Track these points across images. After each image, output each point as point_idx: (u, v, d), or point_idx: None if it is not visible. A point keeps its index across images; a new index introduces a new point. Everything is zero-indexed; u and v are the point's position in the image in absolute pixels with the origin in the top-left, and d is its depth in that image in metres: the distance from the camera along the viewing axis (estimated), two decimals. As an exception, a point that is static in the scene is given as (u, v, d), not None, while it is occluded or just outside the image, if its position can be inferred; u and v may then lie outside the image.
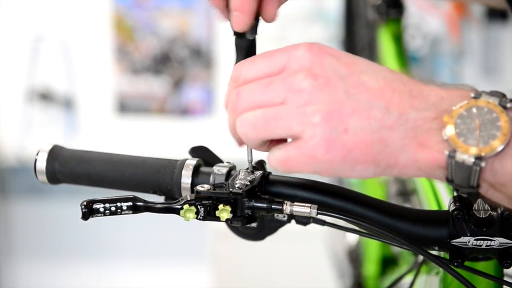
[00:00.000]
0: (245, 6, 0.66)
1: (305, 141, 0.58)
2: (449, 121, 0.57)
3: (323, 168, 0.59)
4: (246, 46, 0.68)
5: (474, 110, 0.58)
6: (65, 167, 0.72)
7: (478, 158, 0.56)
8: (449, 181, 0.58)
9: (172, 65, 2.71)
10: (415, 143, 0.58)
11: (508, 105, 0.58)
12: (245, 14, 0.66)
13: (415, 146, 0.58)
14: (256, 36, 0.69)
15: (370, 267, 1.43)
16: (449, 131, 0.57)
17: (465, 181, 0.57)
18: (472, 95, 0.59)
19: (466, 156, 0.56)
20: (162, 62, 2.71)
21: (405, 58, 1.46)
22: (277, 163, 0.60)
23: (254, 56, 0.64)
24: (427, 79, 0.62)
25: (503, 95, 0.58)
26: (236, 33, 0.67)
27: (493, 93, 0.59)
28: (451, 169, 0.57)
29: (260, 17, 0.68)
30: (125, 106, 2.73)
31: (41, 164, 0.72)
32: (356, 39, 1.67)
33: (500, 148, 0.56)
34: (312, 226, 0.68)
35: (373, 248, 1.42)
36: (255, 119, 0.60)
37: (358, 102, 0.58)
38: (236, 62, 0.67)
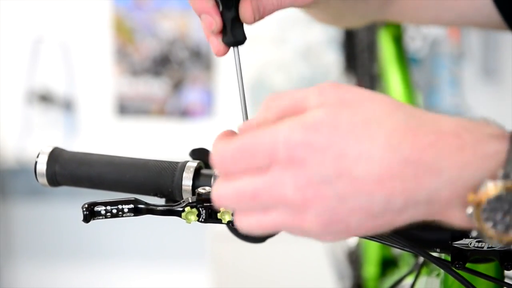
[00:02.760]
0: (204, 6, 0.66)
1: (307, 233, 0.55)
2: (474, 204, 0.52)
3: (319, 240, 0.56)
4: (233, 18, 0.68)
5: (504, 195, 0.52)
6: (66, 170, 0.72)
7: (508, 244, 0.53)
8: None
9: (172, 66, 2.71)
10: (431, 215, 0.54)
11: None
12: (209, 14, 0.66)
13: (431, 216, 0.54)
14: (249, 38, 0.69)
15: (370, 269, 1.43)
16: (476, 216, 0.52)
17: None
18: (501, 173, 0.52)
19: (494, 241, 0.53)
20: (162, 64, 2.71)
21: (404, 60, 1.47)
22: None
23: (239, 144, 0.55)
24: (417, 93, 0.57)
25: None
26: (223, 5, 0.67)
27: None
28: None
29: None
30: (124, 108, 2.73)
31: (42, 167, 0.72)
32: (356, 41, 1.67)
33: None
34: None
35: (373, 250, 1.42)
36: (250, 227, 0.56)
37: (354, 202, 0.53)
38: (223, 37, 0.68)
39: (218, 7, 0.68)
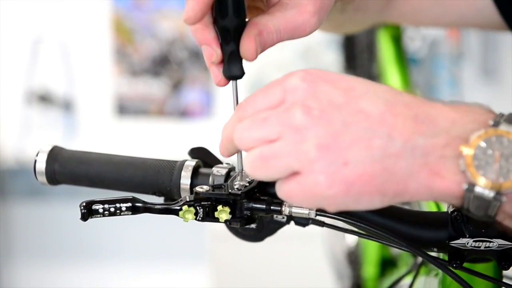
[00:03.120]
0: (206, 36, 0.65)
1: (304, 177, 0.56)
2: (466, 151, 0.54)
3: (327, 203, 0.56)
4: (232, 52, 0.66)
5: (494, 140, 0.55)
6: (65, 168, 0.72)
7: (498, 193, 0.54)
8: (465, 209, 0.56)
9: (171, 67, 2.71)
10: (427, 171, 0.55)
11: None
12: (210, 44, 0.65)
13: (426, 174, 0.55)
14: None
15: (369, 269, 1.43)
16: (467, 163, 0.54)
17: (482, 211, 0.55)
18: (491, 122, 0.56)
19: (486, 191, 0.54)
20: (161, 64, 2.71)
21: (404, 60, 1.47)
22: (283, 197, 0.58)
23: (255, 92, 0.61)
24: (435, 98, 0.60)
25: None
26: (222, 39, 0.66)
27: (511, 120, 0.56)
28: (468, 201, 0.55)
29: None
30: (124, 108, 2.73)
31: (41, 165, 0.72)
32: (355, 41, 1.67)
33: None
34: (311, 227, 0.68)
35: (372, 250, 1.42)
36: (254, 159, 0.57)
37: (357, 131, 0.55)
38: (224, 70, 0.66)
39: (219, 39, 0.66)
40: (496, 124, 0.55)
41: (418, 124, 0.55)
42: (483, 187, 0.54)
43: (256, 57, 0.65)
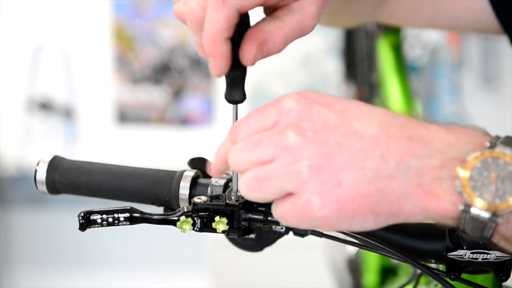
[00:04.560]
0: (217, 51, 0.61)
1: (298, 198, 0.56)
2: (463, 172, 0.54)
3: (320, 223, 0.56)
4: (235, 77, 0.65)
5: (490, 161, 0.54)
6: (65, 178, 0.72)
7: (494, 214, 0.54)
8: (460, 230, 0.55)
9: (172, 74, 2.71)
10: (421, 191, 0.55)
11: None
12: (219, 59, 0.62)
13: (421, 194, 0.55)
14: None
15: (370, 278, 1.43)
16: (464, 183, 0.54)
17: (478, 232, 0.55)
18: (487, 144, 0.55)
19: (482, 212, 0.54)
20: (162, 72, 2.71)
21: (404, 68, 1.47)
22: (278, 218, 0.58)
23: (249, 114, 0.60)
24: (430, 119, 0.60)
25: None
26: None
27: (508, 142, 0.55)
28: (464, 222, 0.55)
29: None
30: (125, 116, 2.73)
31: (41, 175, 0.72)
32: (355, 49, 1.67)
33: None
34: (312, 236, 0.68)
35: (372, 259, 1.42)
36: (247, 181, 0.57)
37: (350, 153, 0.55)
38: (225, 93, 0.65)
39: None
40: (492, 146, 0.55)
41: (412, 145, 0.55)
42: (479, 208, 0.54)
43: (252, 63, 0.64)
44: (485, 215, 0.54)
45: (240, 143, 0.58)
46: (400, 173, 0.55)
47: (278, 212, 0.58)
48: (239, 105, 0.66)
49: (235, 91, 0.65)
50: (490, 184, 0.54)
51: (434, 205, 0.55)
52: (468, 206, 0.54)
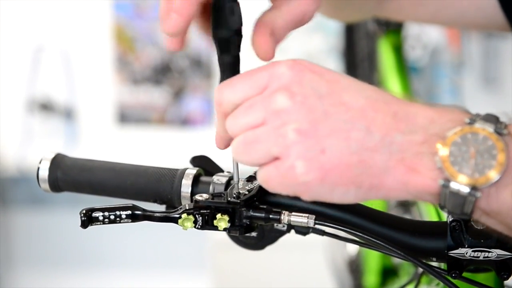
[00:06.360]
0: (187, 8, 0.62)
1: (282, 162, 0.56)
2: (442, 148, 0.55)
3: (302, 189, 0.57)
4: (229, 63, 0.65)
5: (469, 137, 0.55)
6: (67, 176, 0.72)
7: (474, 188, 0.54)
8: (441, 206, 0.56)
9: (173, 75, 2.71)
10: (403, 166, 0.55)
11: (504, 131, 0.56)
12: (183, 17, 0.62)
13: (403, 169, 0.55)
14: (250, 46, 0.67)
15: (371, 278, 1.43)
16: (443, 159, 0.55)
17: (458, 208, 0.55)
18: (467, 120, 0.56)
19: (461, 186, 0.54)
20: (162, 73, 2.71)
21: (405, 68, 1.47)
22: (261, 182, 0.59)
23: (233, 78, 0.61)
24: (415, 99, 0.60)
25: (497, 120, 0.57)
26: (219, 50, 0.64)
27: (487, 118, 0.56)
28: (444, 197, 0.55)
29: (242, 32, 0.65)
30: (125, 116, 2.74)
31: (44, 172, 0.72)
32: (356, 50, 1.67)
33: (496, 178, 0.54)
34: (313, 236, 0.68)
35: (373, 259, 1.42)
36: (238, 144, 0.58)
37: (336, 122, 0.56)
38: (221, 80, 0.65)
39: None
40: (471, 122, 0.56)
41: (397, 121, 0.56)
42: (458, 182, 0.54)
43: (272, 56, 0.65)
44: (465, 189, 0.54)
45: (236, 109, 0.59)
46: (384, 146, 0.56)
47: (261, 176, 0.58)
48: None
49: (227, 78, 0.65)
50: (470, 159, 0.55)
51: (414, 180, 0.55)
52: (447, 181, 0.55)
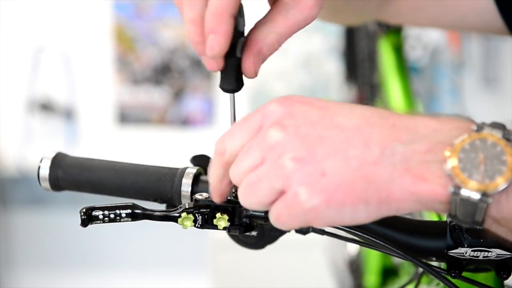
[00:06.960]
0: (222, 27, 0.60)
1: (286, 194, 0.56)
2: (451, 155, 0.54)
3: (311, 216, 0.55)
4: (234, 65, 0.64)
5: (478, 143, 0.55)
6: (68, 175, 0.72)
7: (484, 194, 0.54)
8: (452, 216, 0.55)
9: (173, 75, 2.71)
10: (409, 176, 0.54)
11: None
12: (222, 36, 0.61)
13: (410, 179, 0.54)
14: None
15: (371, 278, 1.43)
16: (453, 165, 0.54)
17: (470, 217, 0.54)
18: (474, 128, 0.56)
19: (472, 193, 0.54)
20: (162, 73, 2.71)
21: (405, 69, 1.47)
22: (273, 222, 0.58)
23: (232, 127, 0.61)
24: (413, 112, 0.60)
25: (504, 127, 0.56)
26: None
27: (495, 125, 0.56)
28: (455, 205, 0.54)
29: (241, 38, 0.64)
30: (125, 117, 2.74)
31: (45, 171, 0.72)
32: (356, 50, 1.67)
33: (506, 184, 0.54)
34: (313, 236, 0.68)
35: (373, 259, 1.42)
36: (243, 189, 0.58)
37: (332, 144, 0.55)
38: (221, 81, 0.65)
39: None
40: (479, 129, 0.56)
41: (396, 132, 0.56)
42: (469, 189, 0.54)
43: (256, 75, 0.65)
44: (476, 195, 0.54)
45: (237, 157, 0.58)
46: (386, 158, 0.55)
47: (272, 215, 0.57)
48: (241, 102, 0.66)
49: (232, 80, 0.65)
50: (479, 165, 0.54)
51: (423, 188, 0.54)
52: (458, 188, 0.54)
